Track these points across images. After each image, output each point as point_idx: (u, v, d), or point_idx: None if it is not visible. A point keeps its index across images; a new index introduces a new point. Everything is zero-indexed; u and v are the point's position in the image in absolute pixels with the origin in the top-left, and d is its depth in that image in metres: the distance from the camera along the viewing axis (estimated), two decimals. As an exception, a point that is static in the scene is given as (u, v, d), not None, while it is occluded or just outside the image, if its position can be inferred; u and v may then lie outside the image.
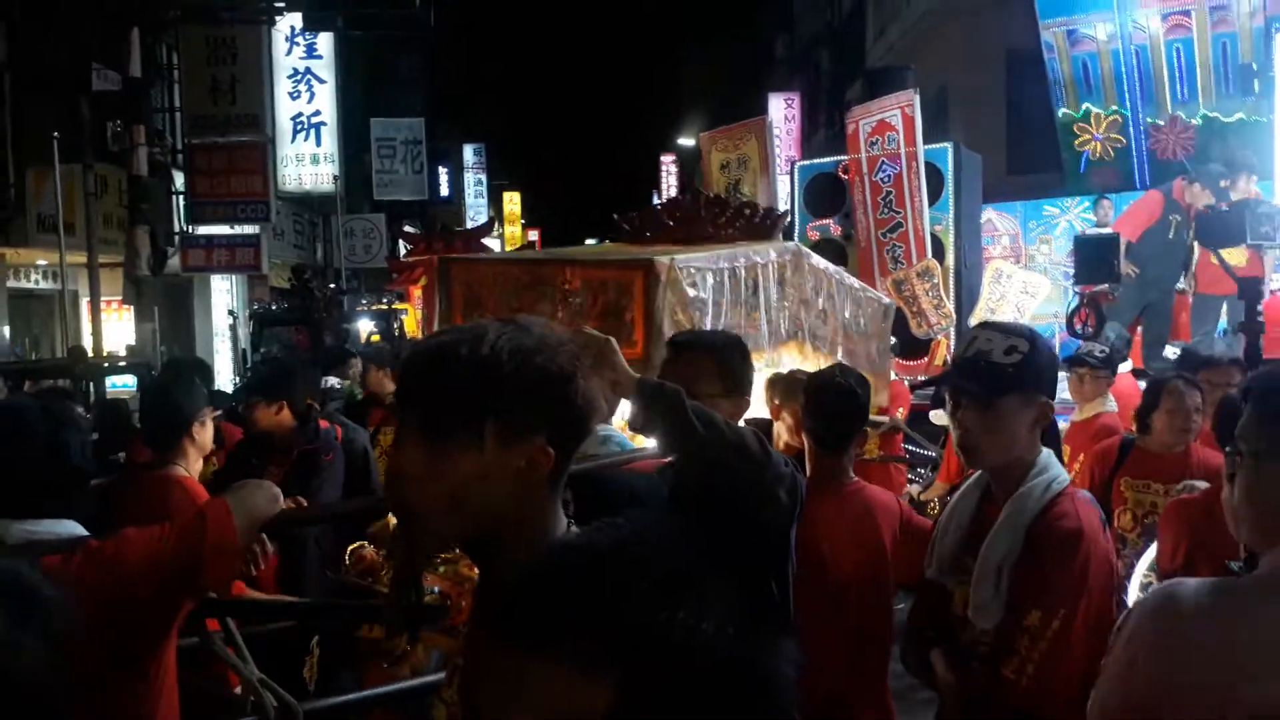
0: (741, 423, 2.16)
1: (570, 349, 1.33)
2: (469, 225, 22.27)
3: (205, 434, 3.28)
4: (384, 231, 19.42)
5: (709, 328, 3.66)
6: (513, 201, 33.45)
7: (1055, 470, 1.98)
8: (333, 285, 15.72)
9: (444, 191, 26.15)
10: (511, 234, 34.39)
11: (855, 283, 4.91)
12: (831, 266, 4.61)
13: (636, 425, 1.80)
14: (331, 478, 3.95)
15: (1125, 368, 5.78)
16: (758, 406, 2.91)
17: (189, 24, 13.64)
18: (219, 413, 3.95)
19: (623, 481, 1.98)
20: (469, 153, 28.19)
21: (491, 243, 21.37)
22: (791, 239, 7.49)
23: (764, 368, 3.94)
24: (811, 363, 4.28)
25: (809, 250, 4.46)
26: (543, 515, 1.28)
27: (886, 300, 5.14)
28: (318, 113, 17.69)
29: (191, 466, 3.22)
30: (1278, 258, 8.45)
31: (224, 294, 17.75)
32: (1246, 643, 1.23)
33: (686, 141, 29.92)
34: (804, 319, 4.30)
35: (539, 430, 1.25)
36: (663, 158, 36.92)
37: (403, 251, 11.73)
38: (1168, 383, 3.67)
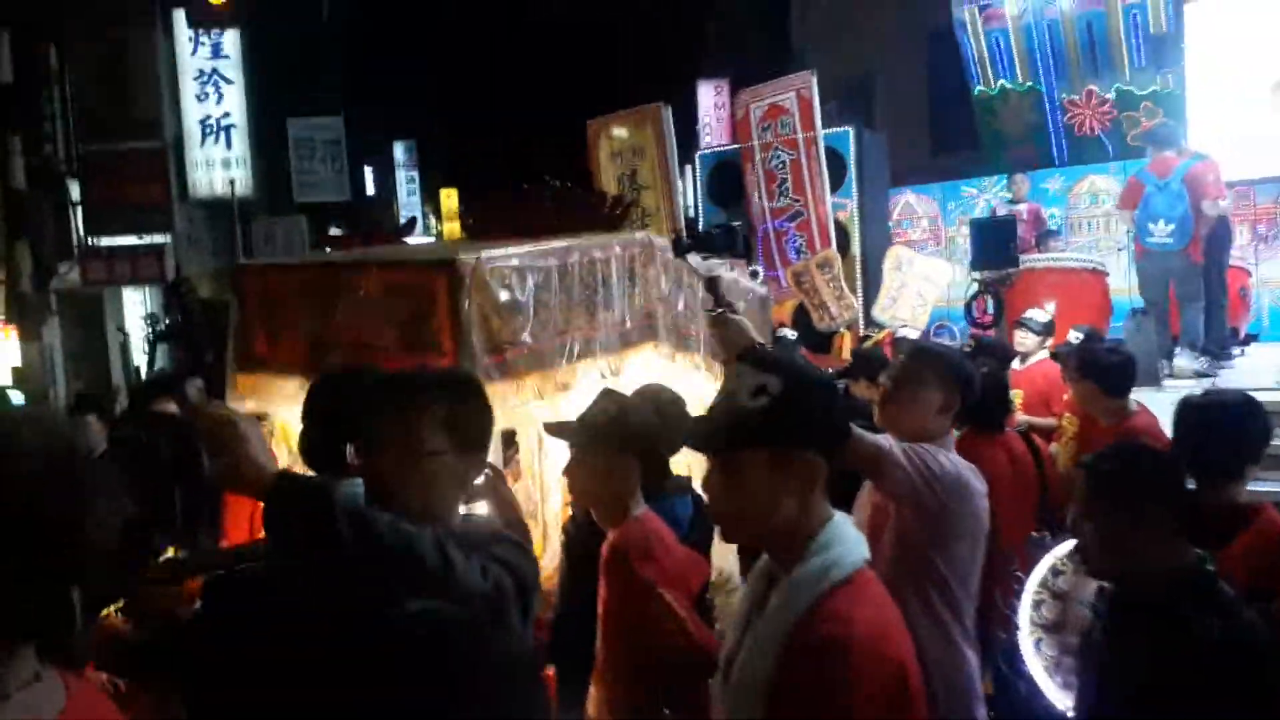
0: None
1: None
2: (401, 225, 21.65)
3: None
4: (306, 233, 18.81)
5: (529, 335, 3.28)
6: (450, 197, 32.76)
7: (840, 549, 1.51)
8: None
9: (370, 190, 25.51)
10: (451, 230, 33.70)
11: (725, 274, 4.56)
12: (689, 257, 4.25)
13: (269, 529, 1.43)
14: None
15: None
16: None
17: (70, 24, 12.99)
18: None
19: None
20: (399, 150, 27.47)
21: (422, 239, 20.84)
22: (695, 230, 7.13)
23: (607, 376, 3.58)
24: (671, 364, 3.92)
25: (661, 240, 4.09)
26: None
27: (761, 290, 4.80)
28: (227, 114, 17.02)
29: None
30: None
31: (138, 305, 17.07)
32: None
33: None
34: (661, 317, 3.91)
35: None
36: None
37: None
38: None
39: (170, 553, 3.05)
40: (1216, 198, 6.88)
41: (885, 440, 2.32)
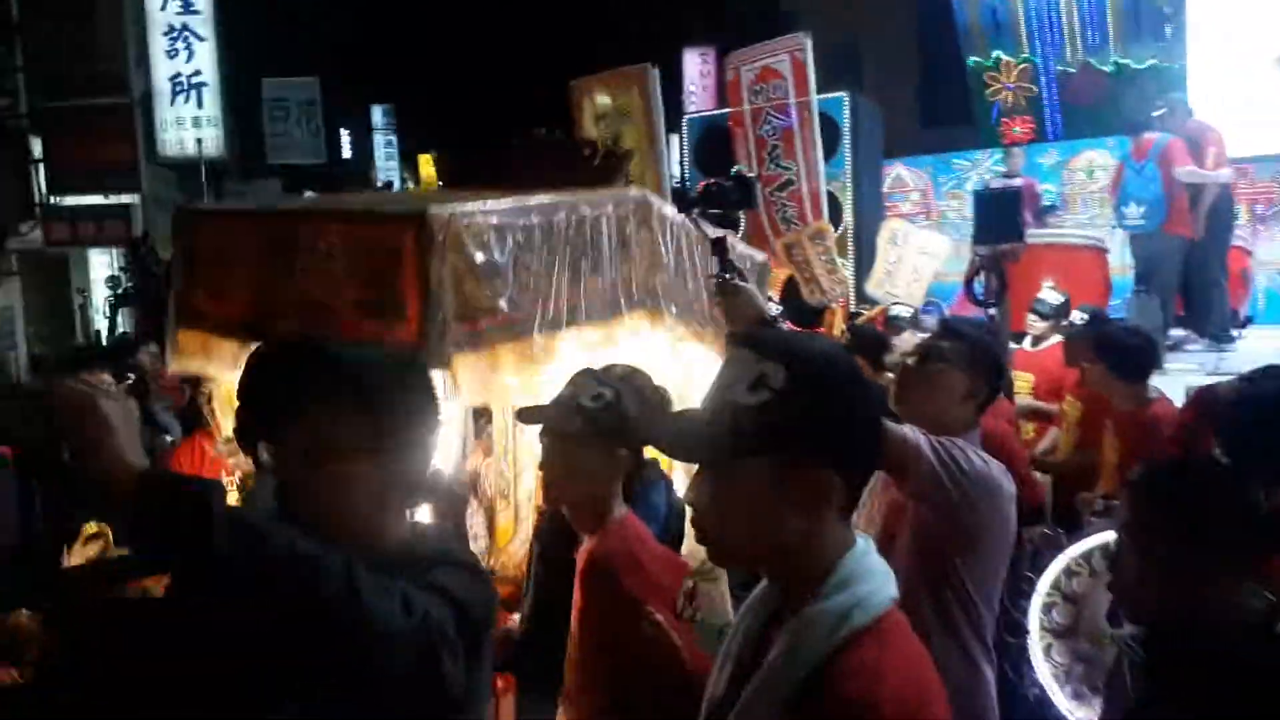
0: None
1: None
2: (378, 190, 21.25)
3: None
4: (279, 197, 18.32)
5: (505, 302, 2.96)
6: (427, 163, 32.15)
7: (865, 585, 1.22)
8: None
9: (346, 154, 24.95)
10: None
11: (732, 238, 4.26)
12: (680, 217, 3.92)
13: (132, 541, 1.13)
14: None
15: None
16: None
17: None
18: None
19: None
20: (377, 114, 26.85)
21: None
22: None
23: (598, 344, 3.28)
24: (669, 333, 3.63)
25: (657, 197, 3.76)
26: None
27: (760, 256, 4.50)
28: (198, 72, 16.43)
29: None
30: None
31: (104, 268, 16.56)
32: None
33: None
34: (656, 282, 3.59)
35: None
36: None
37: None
38: None
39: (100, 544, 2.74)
40: (1203, 165, 6.76)
41: (911, 431, 2.04)
